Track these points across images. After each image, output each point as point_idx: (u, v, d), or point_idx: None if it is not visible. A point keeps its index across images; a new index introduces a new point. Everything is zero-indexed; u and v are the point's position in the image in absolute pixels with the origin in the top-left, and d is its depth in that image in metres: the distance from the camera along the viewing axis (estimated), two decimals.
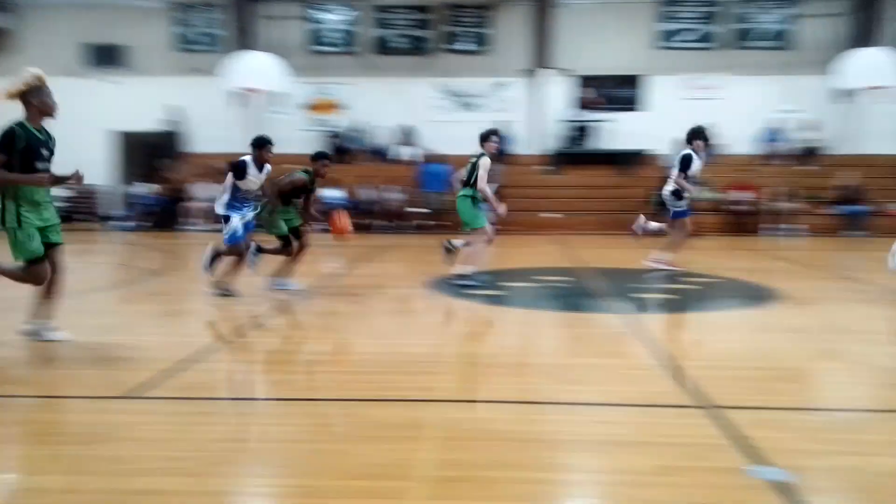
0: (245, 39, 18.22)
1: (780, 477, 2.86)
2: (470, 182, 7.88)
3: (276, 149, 7.27)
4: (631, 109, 18.32)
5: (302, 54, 18.54)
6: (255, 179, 7.05)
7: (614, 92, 18.42)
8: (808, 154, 17.44)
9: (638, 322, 6.14)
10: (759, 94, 17.90)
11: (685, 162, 9.05)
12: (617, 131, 17.92)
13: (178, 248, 13.51)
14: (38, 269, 4.84)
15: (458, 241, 8.33)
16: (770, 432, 3.42)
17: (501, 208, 8.04)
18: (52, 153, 4.88)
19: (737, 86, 17.91)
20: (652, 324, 6.23)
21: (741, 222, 15.89)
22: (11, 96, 4.71)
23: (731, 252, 12.79)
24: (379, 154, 18.24)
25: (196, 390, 4.12)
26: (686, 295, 7.88)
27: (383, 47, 18.80)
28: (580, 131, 17.89)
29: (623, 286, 8.45)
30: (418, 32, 18.73)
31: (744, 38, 18.23)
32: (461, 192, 8.00)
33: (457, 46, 18.70)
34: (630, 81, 18.46)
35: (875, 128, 17.41)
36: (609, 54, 18.25)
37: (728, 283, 8.90)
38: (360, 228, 15.12)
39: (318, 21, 18.78)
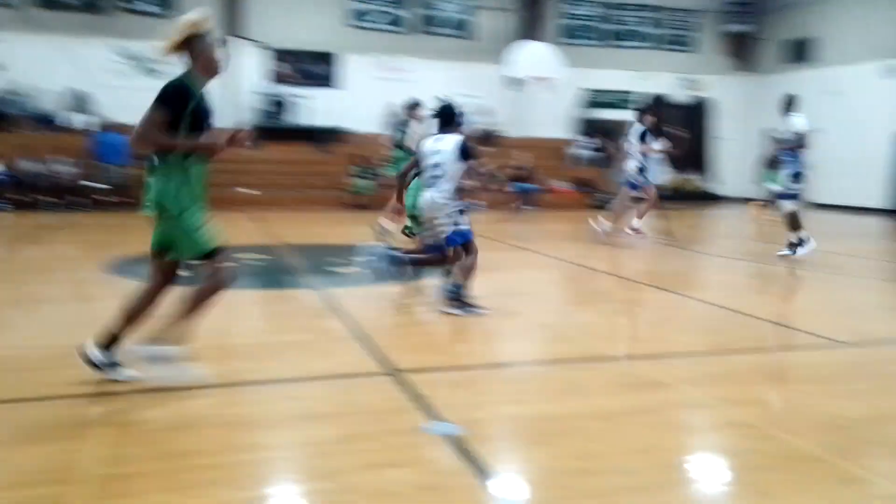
0: None
1: (451, 430, 3.11)
2: None
3: None
4: (327, 86, 18.46)
5: None
6: None
7: (310, 68, 18.40)
8: (486, 137, 19.14)
9: (333, 296, 6.24)
10: (443, 79, 19.13)
11: (643, 136, 10.29)
12: (314, 108, 17.95)
13: None
14: (222, 267, 3.62)
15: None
16: (445, 390, 3.71)
17: None
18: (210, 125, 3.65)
19: (425, 70, 18.95)
20: (346, 297, 6.38)
21: None
22: (175, 45, 3.54)
23: None
24: (45, 121, 16.13)
25: None
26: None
27: (49, 1, 16.60)
28: (277, 106, 17.59)
29: (322, 262, 8.53)
30: None
31: (429, 24, 19.31)
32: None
33: (136, 6, 17.19)
34: (325, 58, 18.57)
35: (541, 114, 19.67)
36: (304, 29, 18.16)
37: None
38: (23, 206, 13.32)
39: None
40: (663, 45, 21.15)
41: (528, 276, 8.07)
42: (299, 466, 2.92)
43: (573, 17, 20.29)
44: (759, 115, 21.42)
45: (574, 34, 20.35)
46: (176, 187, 3.53)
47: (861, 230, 13.09)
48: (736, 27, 21.22)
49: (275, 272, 7.88)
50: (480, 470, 2.77)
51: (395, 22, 19.00)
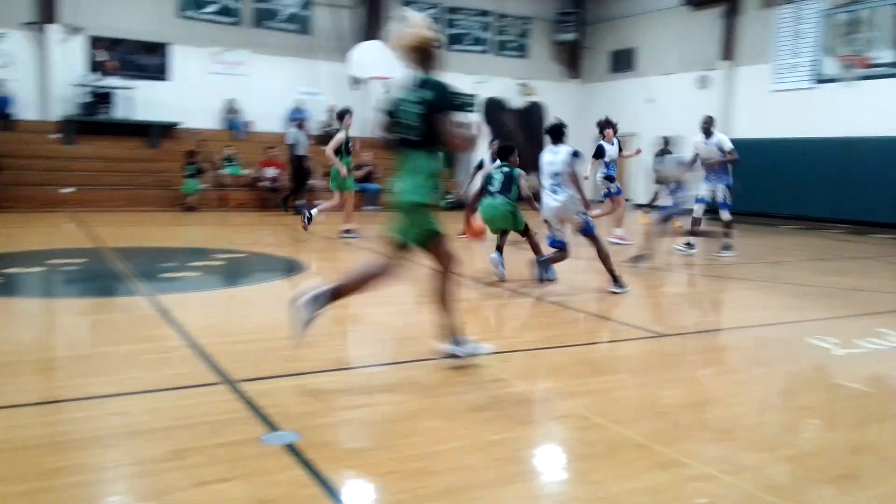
0: None
1: (290, 439, 3.03)
2: None
3: None
4: (157, 79, 17.45)
5: None
6: None
7: (138, 59, 17.31)
8: (330, 135, 18.92)
9: (165, 303, 5.90)
10: (283, 75, 18.71)
11: (599, 151, 10.95)
12: (143, 101, 16.91)
13: None
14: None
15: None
16: (286, 398, 3.61)
17: None
18: None
19: (262, 65, 18.42)
20: (180, 303, 6.05)
21: (268, 198, 16.44)
22: (417, 44, 4.06)
23: (259, 227, 13.19)
24: None
25: None
26: (215, 271, 7.87)
27: None
28: (99, 98, 16.36)
29: (151, 266, 8.05)
30: None
31: (267, 19, 18.76)
32: None
33: None
34: (155, 49, 17.55)
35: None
36: (131, 18, 17.06)
37: (256, 257, 9.16)
38: None
39: None
40: (500, 51, 21.89)
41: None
42: (124, 488, 2.72)
43: None
44: (588, 121, 22.72)
45: None
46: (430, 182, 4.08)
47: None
48: (564, 36, 22.38)
49: (98, 278, 7.34)
50: (321, 479, 2.71)
51: (230, 13, 18.29)
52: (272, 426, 3.20)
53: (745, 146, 14.74)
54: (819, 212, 15.40)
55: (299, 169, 15.68)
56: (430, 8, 20.59)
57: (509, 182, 7.43)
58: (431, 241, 4.12)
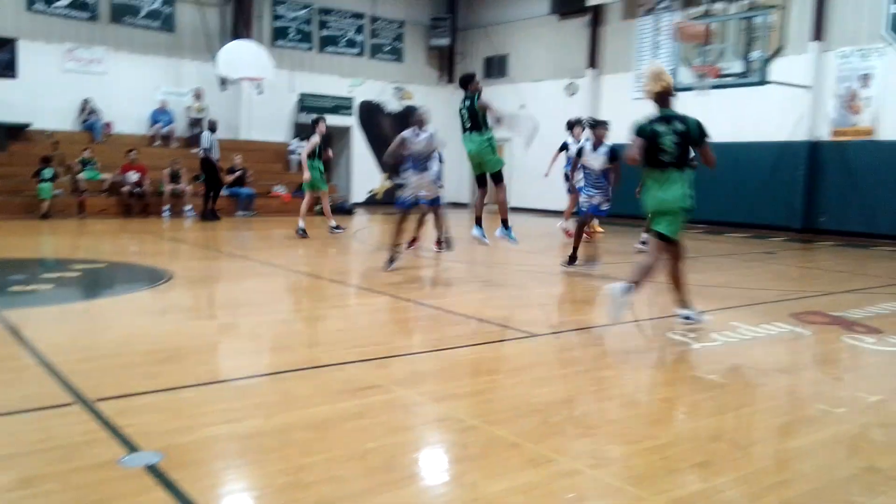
0: None
1: (152, 460, 2.87)
2: None
3: None
4: (4, 76, 16.13)
5: None
6: None
7: None
8: (197, 137, 18.18)
9: (13, 319, 5.44)
10: (145, 75, 17.83)
11: (564, 145, 11.84)
12: None
13: None
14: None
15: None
16: (147, 417, 3.41)
17: None
18: None
19: (123, 63, 17.48)
20: (30, 319, 5.61)
21: (130, 204, 15.59)
22: (664, 89, 5.47)
23: (121, 235, 12.47)
24: None
25: None
26: (70, 283, 7.37)
27: None
28: None
29: None
30: None
31: (126, 15, 17.75)
32: None
33: None
34: (2, 45, 16.21)
35: (256, 116, 19.20)
36: None
37: (117, 267, 8.65)
38: None
39: None
40: (375, 54, 21.83)
41: (246, 286, 7.80)
42: None
43: (281, 18, 20.03)
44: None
45: (286, 36, 20.13)
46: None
47: (553, 230, 14.66)
48: (438, 41, 22.63)
49: None
50: (185, 500, 2.57)
51: (86, 8, 17.18)
52: (132, 447, 3.01)
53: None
54: None
55: (214, 174, 15.20)
56: (302, 9, 20.27)
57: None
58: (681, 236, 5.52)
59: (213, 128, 15.25)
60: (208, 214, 15.08)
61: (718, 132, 16.11)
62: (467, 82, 8.11)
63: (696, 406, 3.93)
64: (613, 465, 3.02)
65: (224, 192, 16.60)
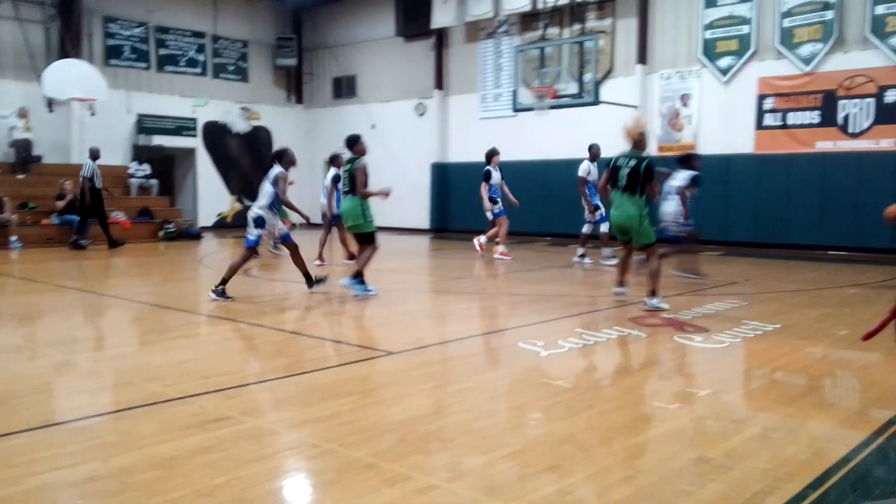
0: None
1: None
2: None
3: None
4: None
5: None
6: None
7: None
8: (24, 162, 16.82)
9: None
10: None
11: (487, 174, 12.06)
12: None
13: None
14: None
15: None
16: None
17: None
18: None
19: None
20: None
21: None
22: (637, 135, 7.53)
23: None
24: None
25: None
26: None
27: None
28: None
29: None
30: None
31: None
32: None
33: None
34: None
35: (90, 138, 18.00)
36: None
37: None
38: None
39: None
40: (219, 74, 21.18)
41: (82, 319, 7.27)
42: None
43: (115, 36, 19.00)
44: (315, 146, 22.86)
45: (121, 55, 19.11)
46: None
47: (410, 248, 14.80)
48: (284, 61, 22.32)
49: None
50: None
51: None
52: None
53: (457, 170, 15.90)
54: (526, 227, 17.01)
55: (98, 203, 14.59)
56: (137, 27, 19.32)
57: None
58: (650, 244, 7.33)
59: (94, 156, 14.85)
60: (76, 244, 14.56)
61: (558, 149, 17.04)
62: (352, 144, 8.24)
63: (546, 411, 4.08)
64: (469, 477, 3.08)
65: (54, 220, 15.44)
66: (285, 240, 8.14)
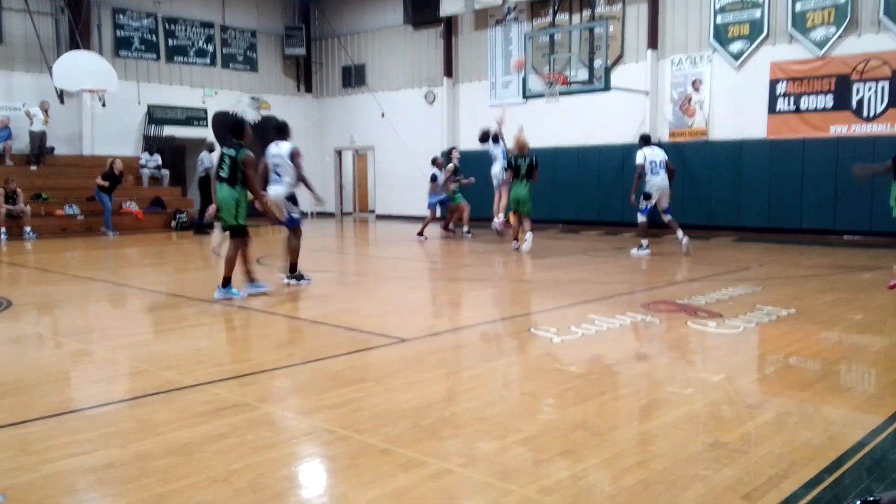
0: None
1: None
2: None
3: None
4: None
5: None
6: None
7: None
8: (38, 154, 16.92)
9: None
10: None
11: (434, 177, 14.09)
12: None
13: None
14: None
15: None
16: None
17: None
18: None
19: None
20: None
21: None
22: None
23: None
24: None
25: None
26: None
27: None
28: None
29: None
30: None
31: None
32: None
33: None
34: None
35: (101, 130, 18.10)
36: None
37: None
38: None
39: None
40: (228, 64, 21.18)
41: (96, 309, 7.33)
42: None
43: (124, 27, 19.03)
44: (324, 135, 22.86)
45: (130, 47, 19.14)
46: None
47: (413, 237, 14.79)
48: (293, 51, 22.28)
49: None
50: None
51: None
52: None
53: (467, 157, 15.86)
54: (538, 214, 16.95)
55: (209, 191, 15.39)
56: (146, 18, 19.34)
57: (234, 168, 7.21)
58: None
59: (211, 148, 15.84)
60: (201, 228, 15.35)
61: (569, 136, 16.93)
62: (237, 130, 7.36)
63: (558, 397, 4.08)
64: (483, 462, 3.08)
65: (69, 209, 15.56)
66: (293, 223, 8.00)
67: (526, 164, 11.44)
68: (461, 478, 2.92)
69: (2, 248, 13.38)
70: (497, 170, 13.33)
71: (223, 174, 7.19)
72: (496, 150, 13.50)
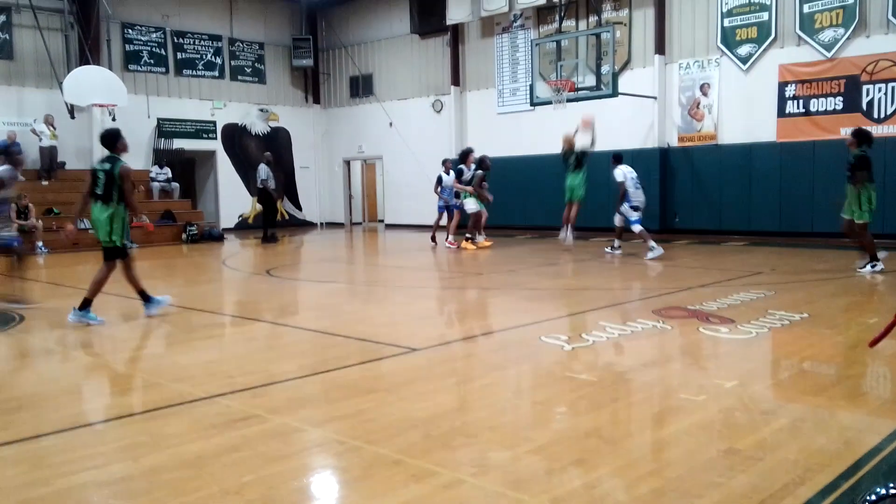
0: None
1: None
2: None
3: None
4: None
5: None
6: None
7: None
8: (49, 169, 17.06)
9: None
10: None
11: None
12: None
13: None
14: None
15: None
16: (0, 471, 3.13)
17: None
18: None
19: None
20: None
21: None
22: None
23: None
24: None
25: None
26: None
27: None
28: None
29: None
30: None
31: None
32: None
33: None
34: None
35: None
36: None
37: None
38: None
39: None
40: (237, 76, 21.32)
41: (108, 321, 7.35)
42: None
43: (133, 42, 19.19)
44: (333, 146, 22.94)
45: (139, 61, 19.30)
46: None
47: (425, 245, 14.80)
48: (301, 62, 22.40)
49: None
50: None
51: None
52: None
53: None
54: (544, 221, 16.93)
55: (272, 204, 16.95)
56: (155, 32, 19.50)
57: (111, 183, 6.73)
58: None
59: (268, 161, 16.43)
60: (270, 238, 16.17)
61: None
62: (112, 141, 6.99)
63: (570, 405, 4.06)
64: (495, 471, 3.07)
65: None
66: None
67: (574, 158, 12.81)
68: (473, 488, 2.90)
69: (15, 263, 13.47)
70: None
71: (98, 191, 6.74)
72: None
